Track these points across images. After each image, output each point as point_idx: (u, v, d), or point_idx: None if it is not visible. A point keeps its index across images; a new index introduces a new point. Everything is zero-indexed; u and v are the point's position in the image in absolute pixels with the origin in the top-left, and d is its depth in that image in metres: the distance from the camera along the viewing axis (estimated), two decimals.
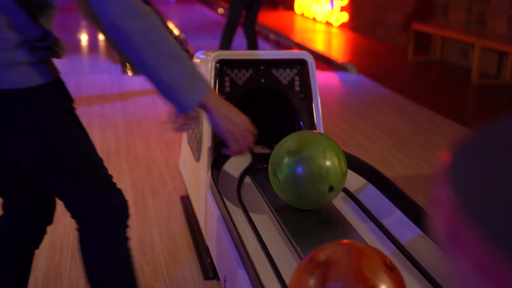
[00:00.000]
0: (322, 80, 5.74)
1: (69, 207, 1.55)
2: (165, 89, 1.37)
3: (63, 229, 2.60)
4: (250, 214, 1.85)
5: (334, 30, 9.30)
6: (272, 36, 8.17)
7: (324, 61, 6.56)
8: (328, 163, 1.67)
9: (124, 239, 1.60)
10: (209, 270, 2.26)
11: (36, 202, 1.63)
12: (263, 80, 2.23)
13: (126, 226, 1.60)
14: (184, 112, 1.42)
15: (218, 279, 2.16)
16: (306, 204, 1.76)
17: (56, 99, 1.44)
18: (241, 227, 1.77)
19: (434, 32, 6.53)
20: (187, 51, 7.00)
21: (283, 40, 7.74)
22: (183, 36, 7.86)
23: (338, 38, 8.77)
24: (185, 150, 2.70)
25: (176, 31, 8.16)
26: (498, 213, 0.35)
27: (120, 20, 1.30)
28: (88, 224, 1.55)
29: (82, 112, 4.23)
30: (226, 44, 5.69)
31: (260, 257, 1.60)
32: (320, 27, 9.63)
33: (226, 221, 1.79)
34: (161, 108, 4.49)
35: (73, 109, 1.50)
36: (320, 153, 1.68)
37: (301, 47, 7.27)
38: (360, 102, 4.94)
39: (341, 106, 4.93)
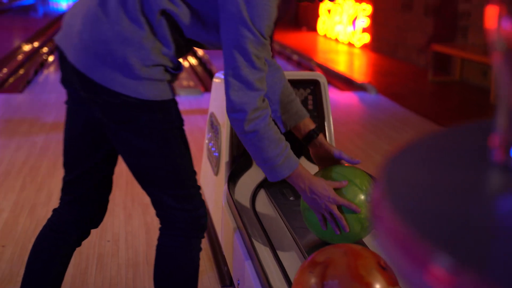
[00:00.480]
0: (341, 99, 5.86)
1: (159, 207, 1.71)
2: (262, 162, 1.62)
3: (89, 238, 2.74)
4: (263, 224, 1.97)
5: (356, 51, 9.44)
6: (294, 57, 8.33)
7: (345, 82, 6.68)
8: (364, 207, 1.66)
9: (198, 249, 1.75)
10: (225, 278, 2.39)
11: (97, 204, 1.80)
12: None
13: (202, 237, 1.75)
14: (272, 181, 1.66)
15: (234, 287, 2.29)
16: (340, 240, 1.72)
17: (174, 113, 1.65)
18: (255, 236, 1.89)
19: (454, 53, 6.62)
20: (210, 71, 7.18)
21: (304, 61, 7.89)
22: (206, 57, 8.05)
23: (360, 58, 8.90)
24: (205, 165, 2.84)
25: (200, 51, 8.36)
26: (406, 197, 0.48)
27: (229, 115, 1.59)
28: (173, 227, 1.70)
29: None
30: None
31: (271, 263, 1.72)
32: (342, 48, 9.78)
33: (241, 231, 1.92)
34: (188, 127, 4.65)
35: (183, 124, 1.70)
36: (359, 196, 1.67)
37: (322, 67, 7.41)
38: (377, 121, 5.05)
39: (359, 125, 5.05)
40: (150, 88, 1.57)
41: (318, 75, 2.39)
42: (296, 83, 2.37)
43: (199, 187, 1.74)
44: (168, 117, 1.62)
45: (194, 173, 1.73)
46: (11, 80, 6.51)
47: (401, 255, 0.46)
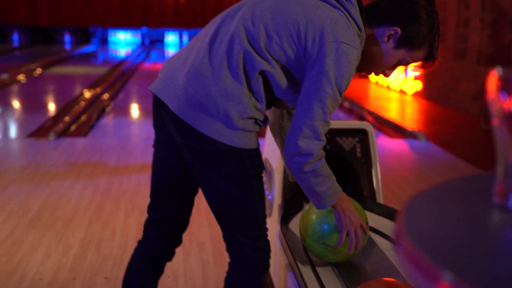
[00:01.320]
0: (391, 146, 5.97)
1: (233, 244, 1.89)
2: (315, 195, 1.81)
3: None
4: (315, 264, 2.11)
5: (408, 98, 9.54)
6: (346, 104, 8.49)
7: (395, 129, 6.79)
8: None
9: (262, 286, 1.93)
10: None
11: (176, 240, 2.04)
12: (328, 147, 2.53)
13: (266, 274, 1.93)
14: (320, 209, 1.88)
15: None
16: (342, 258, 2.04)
17: (258, 161, 1.84)
18: (307, 276, 2.03)
19: None
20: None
21: (356, 108, 8.04)
22: None
23: (411, 106, 8.99)
24: None
25: None
26: (420, 227, 0.64)
27: (290, 158, 1.76)
28: (244, 263, 1.88)
29: None
30: None
31: None
32: (394, 95, 9.89)
33: (294, 271, 2.07)
34: None
35: (262, 171, 1.89)
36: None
37: (373, 115, 7.55)
38: (427, 169, 5.13)
39: (408, 172, 5.14)
40: (243, 138, 1.76)
41: (365, 125, 2.55)
42: (344, 132, 2.54)
43: (267, 229, 1.92)
44: (253, 164, 1.81)
45: (265, 215, 1.92)
46: (75, 125, 6.89)
47: (416, 273, 0.62)
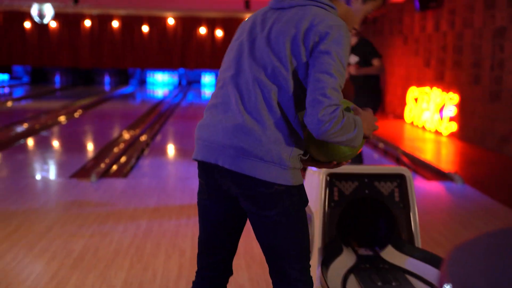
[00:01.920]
0: (427, 188, 5.96)
1: (283, 279, 1.98)
2: (349, 142, 1.88)
3: None
4: None
5: (443, 139, 9.51)
6: (380, 145, 8.51)
7: (431, 171, 6.78)
8: None
9: None
10: None
11: (227, 280, 2.15)
12: (367, 191, 2.59)
13: None
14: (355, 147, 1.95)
15: None
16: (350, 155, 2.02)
17: (305, 195, 1.99)
18: None
19: None
20: None
21: (391, 149, 8.06)
22: None
23: (447, 147, 8.96)
24: None
25: None
26: (465, 281, 0.70)
27: (319, 128, 1.83)
28: None
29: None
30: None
31: None
32: (429, 136, 9.88)
33: None
34: None
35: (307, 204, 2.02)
36: None
37: (408, 156, 7.55)
38: (464, 212, 5.11)
39: (445, 214, 5.13)
40: (294, 175, 1.91)
41: (404, 170, 2.61)
42: (383, 177, 2.60)
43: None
44: (302, 198, 1.96)
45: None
46: (115, 166, 7.06)
47: None
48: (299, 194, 1.94)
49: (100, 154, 7.67)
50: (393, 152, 7.89)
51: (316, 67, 1.83)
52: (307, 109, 1.82)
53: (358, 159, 5.68)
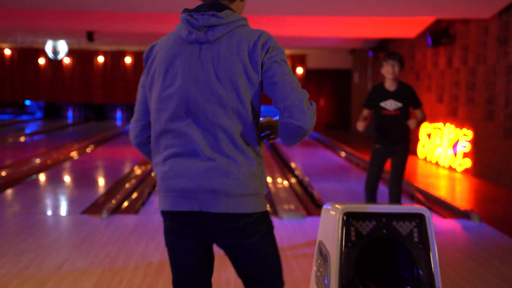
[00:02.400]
0: (443, 226, 5.86)
1: None
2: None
3: None
4: None
5: (457, 176, 9.41)
6: (386, 176, 8.42)
7: (446, 208, 6.68)
8: None
9: None
10: None
11: None
12: (385, 231, 2.52)
13: None
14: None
15: None
16: None
17: (270, 220, 2.16)
18: None
19: None
20: (312, 195, 7.40)
21: (405, 186, 7.96)
22: (307, 179, 8.30)
23: (461, 184, 8.85)
24: None
25: (298, 172, 8.65)
26: None
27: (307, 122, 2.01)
28: None
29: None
30: (369, 199, 5.57)
31: None
32: (443, 172, 9.78)
33: None
34: (287, 247, 4.83)
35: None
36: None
37: (422, 193, 7.46)
38: (482, 251, 5.00)
39: (462, 253, 5.01)
40: (264, 201, 2.09)
41: (423, 209, 2.54)
42: (401, 216, 2.53)
43: None
44: (270, 223, 2.14)
45: None
46: (127, 202, 7.02)
47: None
48: (268, 218, 2.12)
49: (112, 190, 7.64)
50: (407, 188, 7.80)
51: (274, 76, 1.97)
52: (290, 111, 1.95)
53: (396, 198, 5.40)
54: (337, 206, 2.63)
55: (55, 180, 8.74)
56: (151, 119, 2.10)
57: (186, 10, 2.03)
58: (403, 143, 5.42)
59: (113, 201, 6.64)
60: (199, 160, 1.98)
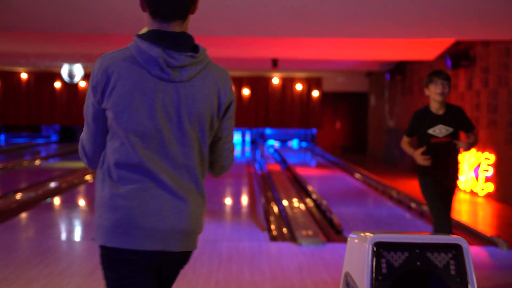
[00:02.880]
0: None
1: None
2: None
3: None
4: None
5: (479, 200, 9.16)
6: (412, 204, 8.21)
7: (470, 234, 6.45)
8: None
9: None
10: None
11: None
12: (418, 263, 2.34)
13: None
14: None
15: None
16: None
17: None
18: None
19: None
20: (331, 220, 7.20)
21: (426, 211, 7.73)
22: (325, 203, 8.11)
23: (484, 209, 8.60)
24: None
25: (317, 197, 8.47)
26: None
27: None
28: None
29: (233, 279, 4.48)
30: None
31: None
32: (465, 197, 9.53)
33: None
34: (307, 275, 4.64)
35: None
36: None
37: None
38: None
39: (492, 284, 4.78)
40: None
41: (460, 240, 2.36)
42: (436, 247, 2.35)
43: None
44: None
45: None
46: None
47: None
48: None
49: None
50: (427, 213, 7.57)
51: (230, 123, 2.09)
52: (229, 153, 2.13)
53: (447, 227, 4.60)
54: (366, 235, 2.46)
55: (69, 204, 8.62)
56: (109, 145, 1.98)
57: (152, 40, 1.92)
58: (455, 173, 4.76)
59: None
60: (168, 199, 1.95)
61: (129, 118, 1.92)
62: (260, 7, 7.19)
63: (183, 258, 2.05)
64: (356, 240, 2.64)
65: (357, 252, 2.50)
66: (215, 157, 2.11)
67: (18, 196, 8.73)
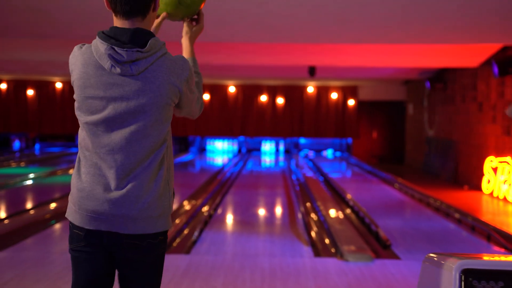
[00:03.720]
0: None
1: None
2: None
3: None
4: None
5: None
6: (461, 217, 7.78)
7: None
8: None
9: None
10: None
11: None
12: None
13: None
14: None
15: None
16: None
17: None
18: None
19: None
20: (377, 234, 6.81)
21: (479, 225, 7.29)
22: (368, 215, 7.73)
23: None
24: None
25: (359, 208, 8.10)
26: None
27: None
28: None
29: None
30: None
31: None
32: None
33: None
34: None
35: None
36: None
37: (501, 233, 6.77)
38: None
39: None
40: (169, 220, 2.19)
41: None
42: (489, 274, 2.00)
43: None
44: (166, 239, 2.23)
45: None
46: (177, 240, 6.60)
47: None
48: (166, 236, 2.20)
49: None
50: (482, 228, 7.13)
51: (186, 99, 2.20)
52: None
53: None
54: (447, 259, 2.12)
55: None
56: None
57: (104, 37, 2.07)
58: None
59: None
60: (112, 187, 2.08)
61: (86, 108, 2.11)
62: (303, 14, 6.89)
63: (134, 239, 2.14)
64: (435, 265, 2.29)
65: (438, 279, 2.16)
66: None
67: (52, 206, 8.55)
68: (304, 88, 19.06)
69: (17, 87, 19.33)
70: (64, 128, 19.63)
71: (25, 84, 19.38)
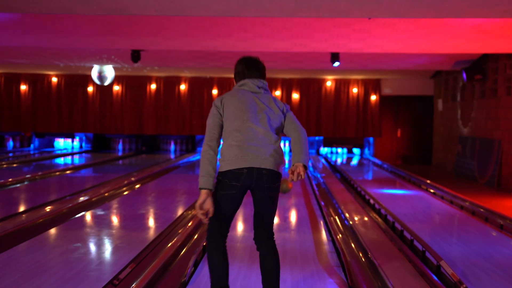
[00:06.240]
0: None
1: (270, 228, 3.80)
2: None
3: None
4: None
5: None
6: None
7: None
8: None
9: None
10: None
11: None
12: None
13: None
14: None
15: None
16: None
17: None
18: None
19: None
20: (438, 269, 5.07)
21: None
22: (421, 241, 5.97)
23: None
24: None
25: (401, 226, 6.54)
26: None
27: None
28: (273, 237, 3.83)
29: None
30: None
31: None
32: None
33: None
34: None
35: None
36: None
37: None
38: None
39: None
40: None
41: None
42: None
43: None
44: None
45: None
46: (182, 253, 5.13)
47: None
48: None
49: (164, 233, 5.77)
50: None
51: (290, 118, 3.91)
52: None
53: None
54: None
55: (100, 220, 6.94)
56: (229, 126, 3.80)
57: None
58: None
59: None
60: (261, 140, 3.73)
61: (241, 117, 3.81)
62: None
63: (272, 175, 3.74)
64: None
65: None
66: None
67: (48, 208, 7.20)
68: (322, 81, 17.52)
69: (8, 81, 17.97)
70: (61, 127, 18.22)
71: (18, 79, 18.01)
